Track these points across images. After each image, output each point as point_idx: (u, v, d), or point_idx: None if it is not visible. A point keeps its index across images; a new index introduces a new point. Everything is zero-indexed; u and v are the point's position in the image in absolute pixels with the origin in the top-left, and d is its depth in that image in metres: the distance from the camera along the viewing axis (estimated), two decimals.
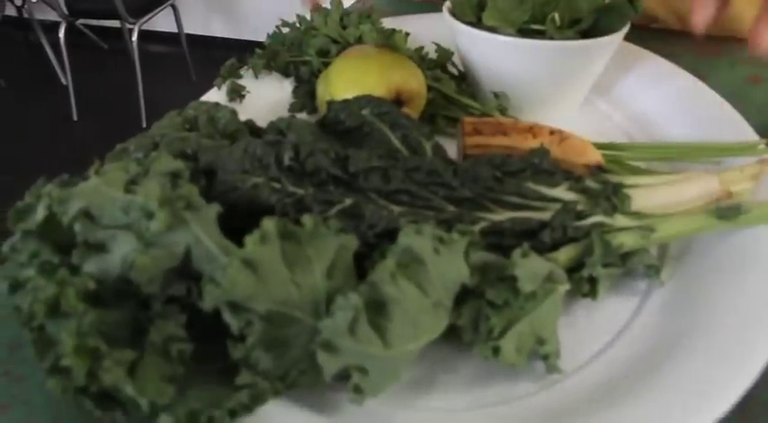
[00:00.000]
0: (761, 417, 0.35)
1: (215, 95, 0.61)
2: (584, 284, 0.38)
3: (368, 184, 0.39)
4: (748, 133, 0.50)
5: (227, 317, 0.29)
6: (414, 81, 0.55)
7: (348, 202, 0.38)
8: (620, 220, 0.40)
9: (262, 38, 0.68)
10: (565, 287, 0.36)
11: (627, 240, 0.39)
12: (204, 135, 0.46)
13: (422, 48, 0.63)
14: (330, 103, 0.48)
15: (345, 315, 0.28)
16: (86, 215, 0.32)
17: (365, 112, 0.47)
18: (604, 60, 0.57)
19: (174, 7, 2.89)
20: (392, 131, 0.46)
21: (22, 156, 2.64)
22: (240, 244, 0.30)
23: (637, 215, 0.40)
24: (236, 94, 0.60)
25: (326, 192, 0.38)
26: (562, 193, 0.41)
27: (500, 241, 0.38)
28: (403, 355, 0.31)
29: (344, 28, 0.64)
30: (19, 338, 0.40)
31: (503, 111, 0.56)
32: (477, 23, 0.56)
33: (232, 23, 3.49)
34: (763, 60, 0.44)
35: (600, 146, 0.50)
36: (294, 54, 0.64)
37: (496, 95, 0.57)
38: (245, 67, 0.65)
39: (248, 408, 0.28)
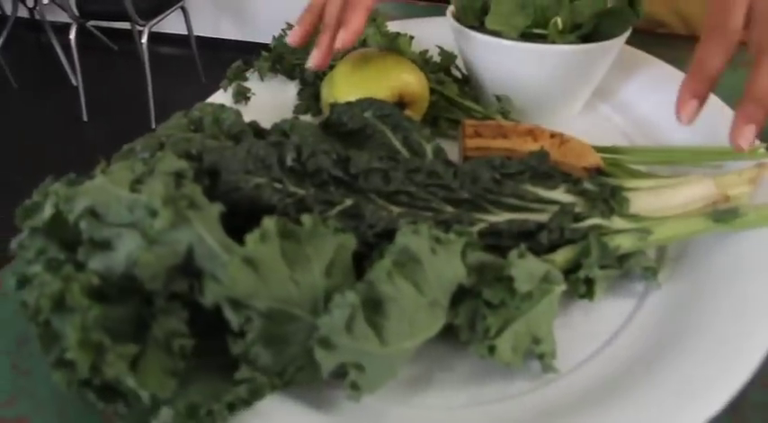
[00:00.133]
0: (753, 417, 0.35)
1: (221, 97, 0.62)
2: (580, 285, 0.39)
3: (368, 185, 0.39)
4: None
5: (228, 313, 0.29)
6: (416, 84, 0.55)
7: (348, 202, 0.38)
8: (617, 223, 0.40)
9: (271, 40, 0.69)
10: (561, 288, 0.36)
11: (624, 242, 0.40)
12: (209, 136, 0.47)
13: (426, 51, 0.64)
14: (333, 106, 0.49)
15: (342, 313, 0.29)
16: (92, 213, 0.33)
17: (367, 114, 0.47)
18: (606, 65, 0.58)
19: (183, 9, 2.91)
20: (394, 133, 0.46)
21: (31, 156, 2.66)
22: (242, 243, 0.30)
23: (634, 218, 0.41)
24: (242, 95, 0.61)
25: (327, 192, 0.39)
26: (560, 195, 0.41)
27: (498, 242, 0.39)
28: (399, 353, 0.32)
29: None
30: (26, 333, 0.41)
31: (505, 114, 0.57)
32: (480, 27, 0.56)
33: (241, 26, 3.51)
34: None
35: (600, 149, 0.50)
36: (299, 57, 0.65)
37: (498, 99, 0.57)
38: (251, 69, 0.66)
39: (247, 402, 0.29)
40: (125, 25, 2.90)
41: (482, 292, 0.35)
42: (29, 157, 2.63)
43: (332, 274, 0.32)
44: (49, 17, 3.23)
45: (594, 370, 0.36)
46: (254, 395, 0.29)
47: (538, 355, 0.35)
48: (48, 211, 0.34)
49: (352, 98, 0.50)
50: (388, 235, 0.36)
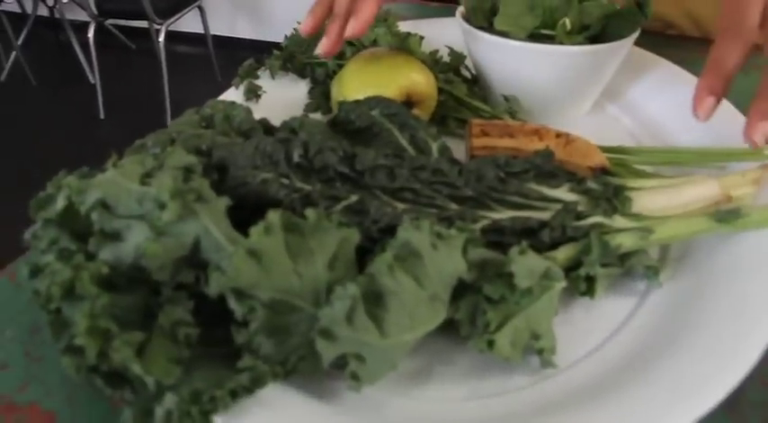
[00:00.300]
0: (751, 416, 0.35)
1: (233, 95, 0.63)
2: (581, 283, 0.39)
3: (374, 182, 0.40)
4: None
5: (232, 303, 0.30)
6: (424, 83, 0.56)
7: (354, 198, 0.39)
8: (619, 221, 0.41)
9: None
10: (561, 285, 0.37)
11: (625, 241, 0.40)
12: (219, 132, 0.48)
13: (436, 51, 0.64)
14: (341, 104, 0.50)
15: (343, 304, 0.30)
16: (103, 205, 0.34)
17: (375, 112, 0.48)
18: (614, 65, 0.58)
19: (200, 9, 2.93)
20: (400, 132, 0.47)
21: (49, 152, 2.69)
22: (248, 235, 0.31)
23: (636, 217, 0.41)
24: (253, 93, 0.62)
25: (333, 188, 0.40)
26: (563, 193, 0.41)
27: (500, 239, 0.39)
28: (399, 345, 0.32)
29: None
30: (39, 322, 0.42)
31: (512, 114, 0.57)
32: (489, 28, 0.57)
33: (258, 25, 3.53)
34: None
35: (606, 149, 0.50)
36: (310, 56, 0.65)
37: (506, 99, 0.58)
38: (263, 67, 0.67)
39: (249, 390, 0.30)
40: (143, 24, 2.92)
41: (483, 288, 0.35)
42: (46, 154, 2.66)
43: (335, 267, 0.33)
44: (69, 15, 3.27)
45: (593, 366, 0.37)
46: (256, 383, 0.30)
47: (537, 350, 0.36)
48: (60, 203, 0.35)
49: (361, 96, 0.50)
50: (392, 230, 0.37)
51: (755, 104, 0.41)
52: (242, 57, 0.68)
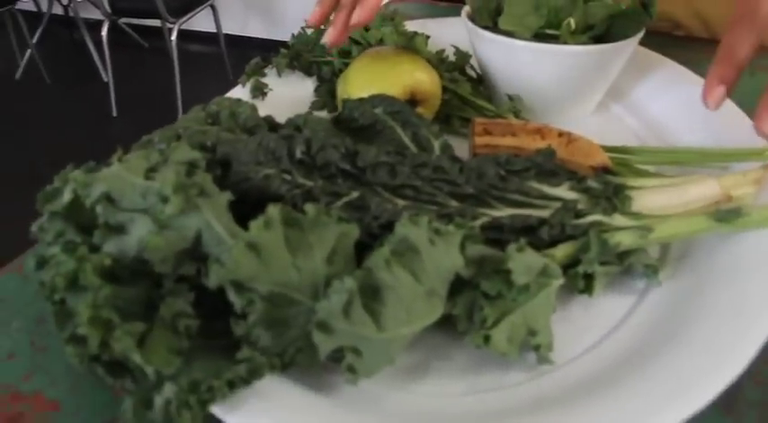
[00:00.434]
0: (748, 415, 0.35)
1: (239, 92, 0.63)
2: (579, 281, 0.40)
3: (375, 179, 0.41)
4: (759, 140, 0.50)
5: (231, 295, 0.31)
6: (428, 82, 0.56)
7: (355, 194, 0.39)
8: (618, 220, 0.41)
9: None
10: (558, 282, 0.37)
11: (624, 239, 0.40)
12: (225, 129, 0.48)
13: (442, 50, 0.65)
14: (345, 102, 0.50)
15: (340, 298, 0.30)
16: (108, 199, 0.34)
17: (378, 110, 0.48)
18: (618, 65, 0.58)
19: (213, 8, 2.95)
20: (403, 129, 0.47)
21: (62, 148, 2.72)
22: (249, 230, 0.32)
23: (636, 215, 0.41)
24: (259, 91, 0.63)
25: (335, 184, 0.40)
26: (564, 192, 0.42)
27: (500, 236, 0.40)
28: (396, 339, 0.33)
29: (367, 30, 0.66)
30: (44, 313, 0.43)
31: (516, 113, 0.57)
32: (494, 28, 0.57)
33: (269, 24, 3.55)
34: None
35: (609, 149, 0.51)
36: (317, 54, 0.66)
37: (511, 98, 0.58)
38: (270, 65, 0.67)
39: (246, 381, 0.30)
40: (155, 23, 2.95)
41: (480, 284, 0.35)
42: (60, 150, 2.69)
43: (333, 261, 0.33)
44: (83, 14, 3.30)
45: (590, 363, 0.37)
46: (254, 374, 0.30)
47: (534, 346, 0.36)
48: (67, 196, 0.36)
49: (365, 95, 0.51)
50: (392, 227, 0.37)
51: (766, 98, 0.41)
52: (254, 56, 0.68)
